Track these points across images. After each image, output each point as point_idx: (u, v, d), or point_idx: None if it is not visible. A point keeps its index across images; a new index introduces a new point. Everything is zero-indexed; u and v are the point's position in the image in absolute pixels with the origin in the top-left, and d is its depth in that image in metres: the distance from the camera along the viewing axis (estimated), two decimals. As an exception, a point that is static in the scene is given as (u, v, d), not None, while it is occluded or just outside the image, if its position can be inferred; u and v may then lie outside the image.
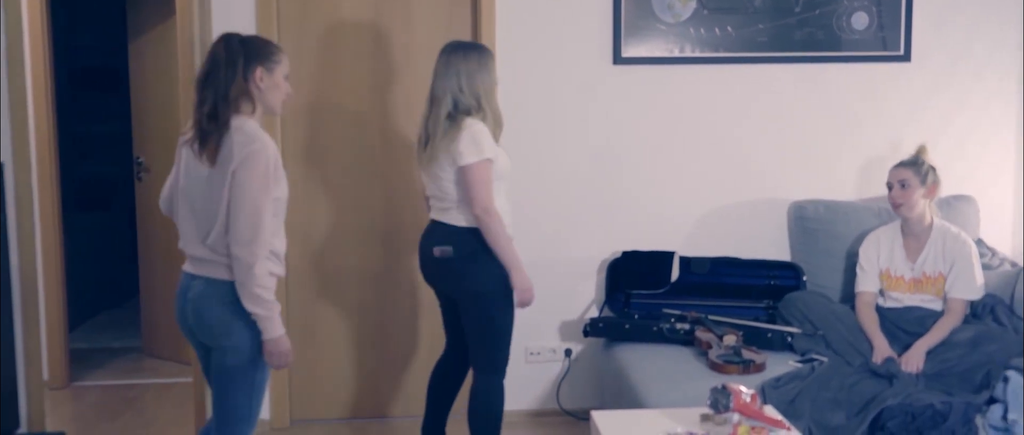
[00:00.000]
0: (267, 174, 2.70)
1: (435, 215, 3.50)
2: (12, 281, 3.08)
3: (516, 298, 3.41)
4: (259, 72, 2.78)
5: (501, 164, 3.40)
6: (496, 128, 3.42)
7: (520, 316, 4.32)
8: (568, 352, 4.40)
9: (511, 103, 4.23)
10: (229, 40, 2.78)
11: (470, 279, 3.42)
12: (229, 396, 2.82)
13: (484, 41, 4.16)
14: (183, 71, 4.25)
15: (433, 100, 3.41)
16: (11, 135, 3.05)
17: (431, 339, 4.33)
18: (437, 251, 3.43)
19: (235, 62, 2.74)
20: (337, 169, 4.28)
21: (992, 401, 3.22)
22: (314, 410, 4.42)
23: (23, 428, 3.14)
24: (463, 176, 3.32)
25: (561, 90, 4.25)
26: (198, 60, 3.83)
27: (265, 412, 4.32)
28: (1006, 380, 3.21)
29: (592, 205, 4.32)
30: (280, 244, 2.83)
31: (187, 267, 2.84)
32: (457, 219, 3.41)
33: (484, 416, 3.55)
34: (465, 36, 4.23)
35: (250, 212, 2.67)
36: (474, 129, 3.32)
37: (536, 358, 4.39)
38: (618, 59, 4.23)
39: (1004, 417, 3.11)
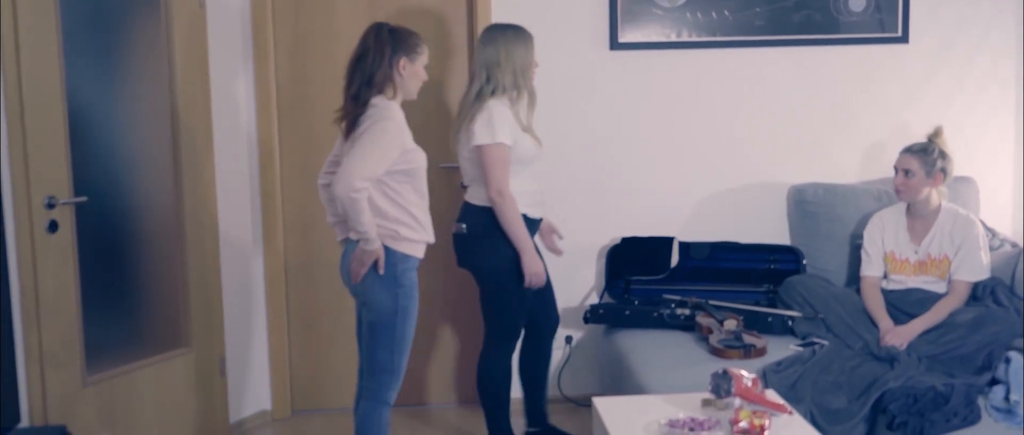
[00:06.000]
0: (382, 143, 2.95)
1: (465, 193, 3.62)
2: (10, 278, 3.08)
3: (526, 280, 3.49)
4: (403, 61, 3.08)
5: (523, 149, 3.47)
6: (530, 109, 3.51)
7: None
8: (569, 339, 4.40)
9: (508, 90, 4.23)
10: (379, 29, 3.07)
11: (480, 256, 3.54)
12: (373, 349, 3.14)
13: (479, 27, 4.15)
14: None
15: (470, 78, 3.54)
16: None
17: (430, 327, 4.34)
18: (455, 227, 3.58)
19: (383, 50, 3.04)
20: (335, 159, 4.27)
21: (994, 382, 3.22)
22: (315, 400, 4.42)
23: (24, 423, 3.14)
24: (477, 156, 3.42)
25: (558, 76, 4.24)
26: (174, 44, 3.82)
27: (266, 402, 4.32)
28: (1008, 361, 3.21)
29: (591, 191, 4.32)
30: (419, 212, 3.10)
31: (350, 233, 3.12)
32: (473, 197, 3.53)
33: (483, 389, 3.71)
34: (461, 24, 4.22)
35: (360, 155, 2.92)
36: (493, 111, 3.39)
37: (537, 345, 4.38)
38: (615, 45, 4.22)
39: (1006, 398, 3.11)
